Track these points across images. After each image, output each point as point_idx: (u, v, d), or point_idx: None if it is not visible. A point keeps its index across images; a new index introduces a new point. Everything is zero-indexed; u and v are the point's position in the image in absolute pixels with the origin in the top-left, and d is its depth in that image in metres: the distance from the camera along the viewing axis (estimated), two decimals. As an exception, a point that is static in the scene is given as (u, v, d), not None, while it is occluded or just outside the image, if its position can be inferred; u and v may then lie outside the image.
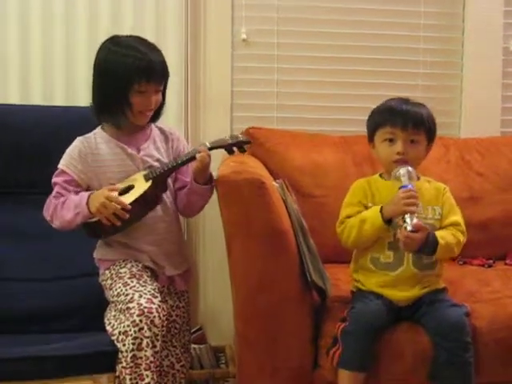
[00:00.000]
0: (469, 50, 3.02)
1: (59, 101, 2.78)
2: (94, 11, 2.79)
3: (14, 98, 2.76)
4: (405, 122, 2.12)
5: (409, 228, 2.00)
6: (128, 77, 2.14)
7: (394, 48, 3.00)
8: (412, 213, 2.01)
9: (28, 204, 2.47)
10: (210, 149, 2.21)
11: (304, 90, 2.97)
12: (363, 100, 2.90)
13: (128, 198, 2.13)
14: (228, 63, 2.91)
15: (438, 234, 2.09)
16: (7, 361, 1.96)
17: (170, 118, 2.79)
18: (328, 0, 2.96)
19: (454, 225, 2.16)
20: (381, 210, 2.08)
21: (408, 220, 2.01)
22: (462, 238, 2.15)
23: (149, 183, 2.16)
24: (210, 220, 2.80)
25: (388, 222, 2.07)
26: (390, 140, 2.14)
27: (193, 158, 2.20)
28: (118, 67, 2.15)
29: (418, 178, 2.21)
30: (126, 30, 2.75)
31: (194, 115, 2.89)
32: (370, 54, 2.99)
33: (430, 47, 3.02)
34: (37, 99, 2.78)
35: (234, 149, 2.24)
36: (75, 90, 2.75)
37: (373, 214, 2.09)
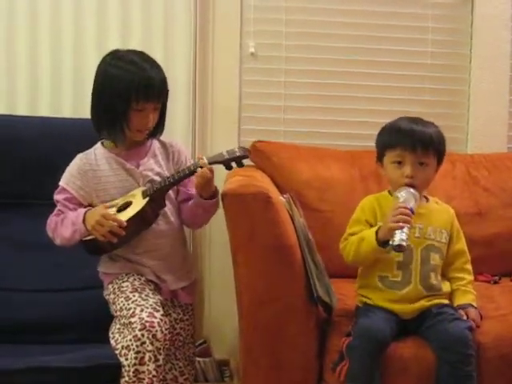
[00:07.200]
0: (476, 66, 3.01)
1: (67, 113, 2.79)
2: (102, 25, 2.81)
3: (21, 109, 2.78)
4: (414, 145, 2.11)
5: (394, 243, 1.97)
6: (127, 94, 2.14)
7: (401, 63, 3.00)
8: (400, 228, 1.98)
9: (33, 214, 2.47)
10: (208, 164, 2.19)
11: (311, 104, 2.97)
12: (370, 115, 2.92)
13: (125, 215, 2.14)
14: (236, 77, 2.92)
15: (467, 299, 2.16)
16: (8, 372, 1.96)
17: (178, 132, 2.81)
18: (336, 15, 2.97)
19: (461, 254, 2.22)
20: (377, 231, 2.07)
21: (396, 236, 1.98)
22: (471, 276, 2.23)
23: (146, 200, 2.16)
24: (216, 232, 2.80)
25: (385, 243, 2.05)
26: (399, 162, 2.14)
27: (192, 173, 2.17)
28: (117, 83, 2.15)
29: (427, 200, 2.22)
30: (134, 44, 2.76)
31: (202, 128, 2.89)
32: (377, 69, 2.99)
33: (437, 63, 3.02)
34: (44, 111, 2.79)
35: (233, 164, 2.21)
36: (83, 101, 2.76)
37: (370, 234, 2.09)
